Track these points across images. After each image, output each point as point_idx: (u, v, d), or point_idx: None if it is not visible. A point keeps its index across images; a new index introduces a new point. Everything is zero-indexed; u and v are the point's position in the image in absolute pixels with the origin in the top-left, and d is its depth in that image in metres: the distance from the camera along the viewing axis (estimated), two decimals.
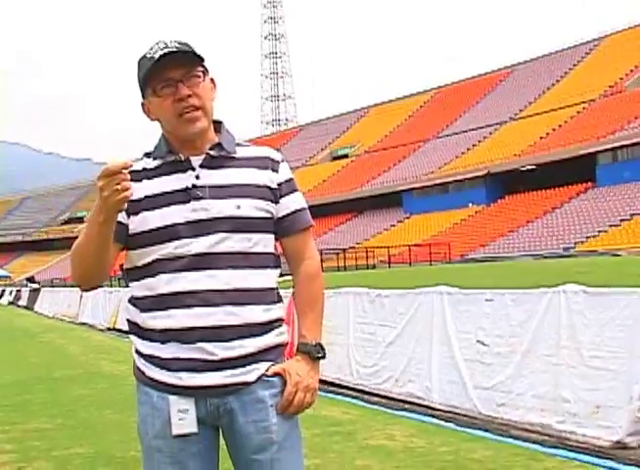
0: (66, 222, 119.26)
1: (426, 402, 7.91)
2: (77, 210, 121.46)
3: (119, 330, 20.58)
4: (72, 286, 45.06)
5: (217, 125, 2.62)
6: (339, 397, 8.80)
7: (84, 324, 25.43)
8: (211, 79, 2.58)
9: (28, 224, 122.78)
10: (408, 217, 70.50)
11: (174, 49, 2.43)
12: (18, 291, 52.18)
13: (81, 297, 28.06)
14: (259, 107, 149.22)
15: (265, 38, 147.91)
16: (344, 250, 51.80)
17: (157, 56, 2.43)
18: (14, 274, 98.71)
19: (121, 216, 2.48)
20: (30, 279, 70.63)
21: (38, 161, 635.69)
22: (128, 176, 2.25)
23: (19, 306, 45.40)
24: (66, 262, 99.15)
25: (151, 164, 2.56)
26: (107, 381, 11.08)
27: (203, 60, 2.50)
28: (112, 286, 37.06)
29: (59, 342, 19.08)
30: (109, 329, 22.09)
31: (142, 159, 2.61)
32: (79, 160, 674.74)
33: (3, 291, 59.81)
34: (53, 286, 55.34)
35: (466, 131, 79.65)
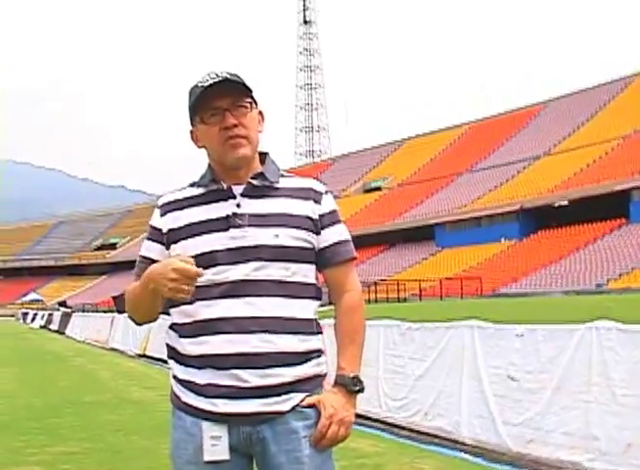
0: (98, 248, 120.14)
1: (454, 437, 7.86)
2: (110, 236, 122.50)
3: (150, 357, 20.63)
4: (104, 311, 45.26)
5: (263, 157, 2.66)
6: (367, 429, 8.75)
7: (114, 350, 25.51)
8: (260, 112, 2.63)
9: (62, 249, 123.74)
10: (440, 251, 70.33)
11: (222, 79, 2.50)
12: (50, 315, 52.44)
13: (112, 322, 28.18)
14: (293, 138, 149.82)
15: (301, 70, 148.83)
16: (376, 282, 51.70)
17: (206, 85, 2.49)
18: (46, 298, 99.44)
19: (160, 254, 2.59)
20: (62, 303, 71.01)
21: (73, 186, 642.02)
22: (195, 284, 2.35)
23: (50, 330, 45.61)
24: (97, 288, 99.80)
25: (195, 192, 2.62)
26: (136, 407, 11.10)
27: (251, 91, 2.56)
28: None
29: (89, 366, 19.15)
30: (139, 356, 22.14)
31: (186, 188, 2.66)
32: (113, 187, 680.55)
33: (35, 314, 60.12)
34: (84, 311, 55.65)
35: (499, 166, 79.52)
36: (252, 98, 2.58)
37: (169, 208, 2.62)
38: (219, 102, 2.52)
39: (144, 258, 2.65)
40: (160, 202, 2.67)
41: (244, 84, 2.53)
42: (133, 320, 2.66)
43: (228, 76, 2.51)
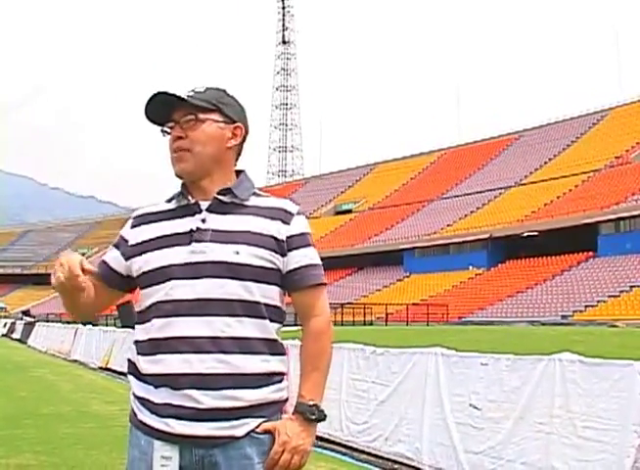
0: None
1: (415, 463, 7.85)
2: (78, 246, 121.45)
3: (112, 370, 20.47)
4: (68, 322, 44.84)
5: (238, 173, 2.65)
6: (328, 452, 8.72)
7: (77, 361, 25.29)
8: (237, 127, 2.62)
9: (29, 257, 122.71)
10: (408, 276, 70.44)
11: (177, 94, 2.54)
12: (12, 323, 51.96)
13: (75, 334, 27.94)
14: (267, 157, 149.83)
15: (277, 89, 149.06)
16: (342, 305, 51.65)
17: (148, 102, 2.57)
18: (10, 306, 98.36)
19: (114, 261, 2.64)
20: (26, 313, 70.34)
21: (43, 195, 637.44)
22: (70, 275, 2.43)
23: (12, 339, 45.17)
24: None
25: (167, 206, 2.62)
26: (95, 421, 10.98)
27: (203, 107, 2.55)
28: (107, 325, 36.93)
29: (50, 378, 18.97)
30: (101, 368, 21.96)
31: (162, 203, 2.67)
32: (84, 197, 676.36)
33: None
34: (48, 321, 55.10)
35: (470, 194, 79.93)
36: (209, 111, 2.57)
37: (141, 220, 2.62)
38: (174, 115, 2.56)
39: (103, 261, 2.68)
40: (135, 214, 2.68)
41: (197, 99, 2.56)
42: (75, 318, 2.81)
43: (188, 92, 2.57)
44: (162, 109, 2.56)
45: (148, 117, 2.59)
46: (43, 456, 8.12)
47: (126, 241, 2.62)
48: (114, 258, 2.64)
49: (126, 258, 2.59)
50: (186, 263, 2.45)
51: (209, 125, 2.56)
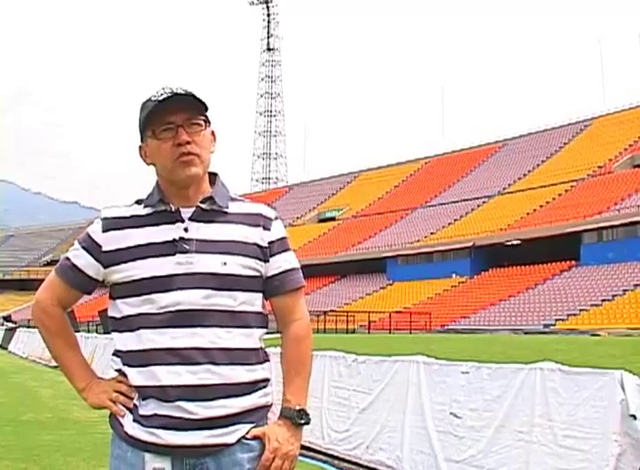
0: (48, 264, 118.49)
1: None
2: (61, 252, 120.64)
3: None
4: None
5: (212, 178, 2.60)
6: (309, 460, 8.71)
7: (58, 368, 25.12)
8: (212, 132, 2.57)
9: (10, 263, 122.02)
10: (391, 284, 70.47)
11: (178, 94, 2.44)
12: None
13: None
14: (251, 164, 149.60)
15: (262, 96, 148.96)
16: (325, 312, 51.61)
17: (160, 98, 2.44)
18: None
19: (90, 268, 2.53)
20: (7, 318, 69.94)
21: (25, 200, 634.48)
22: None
23: None
24: None
25: (141, 211, 2.53)
26: (75, 427, 10.92)
27: (207, 108, 2.50)
28: (89, 332, 36.77)
29: (30, 384, 18.86)
30: None
31: (132, 205, 2.58)
32: (67, 202, 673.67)
33: None
34: (29, 327, 54.75)
35: (454, 202, 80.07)
36: (206, 116, 2.53)
37: (113, 224, 2.52)
38: (173, 117, 2.46)
39: (74, 266, 2.55)
40: (104, 215, 2.57)
41: (200, 101, 2.48)
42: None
43: (183, 92, 2.45)
44: (172, 110, 2.46)
45: (148, 119, 2.48)
46: (22, 464, 8.06)
47: (99, 246, 2.52)
48: (89, 264, 2.53)
49: (105, 266, 2.51)
50: (173, 275, 2.42)
51: (205, 129, 2.53)
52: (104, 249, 2.51)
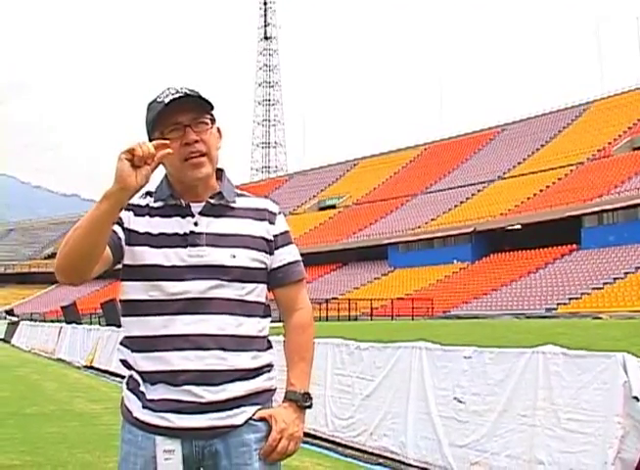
0: (49, 257, 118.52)
1: (400, 457, 7.85)
2: None
3: (97, 369, 20.41)
4: (52, 321, 44.58)
5: (219, 173, 2.66)
6: (313, 447, 8.72)
7: (61, 360, 25.20)
8: (218, 128, 2.62)
9: (12, 256, 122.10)
10: (392, 271, 70.56)
11: (184, 94, 2.48)
12: None
13: (60, 332, 27.85)
14: (250, 153, 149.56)
15: (260, 85, 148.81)
16: (327, 300, 51.71)
17: (167, 100, 2.48)
18: None
19: (118, 231, 2.49)
20: (10, 312, 70.07)
21: (26, 193, 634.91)
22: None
23: None
24: (46, 297, 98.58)
25: (154, 203, 2.59)
26: (79, 420, 10.94)
27: (212, 107, 2.55)
28: (91, 323, 36.85)
29: (34, 377, 18.90)
30: (86, 367, 21.89)
31: (144, 196, 2.62)
32: (67, 195, 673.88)
33: None
34: (32, 320, 54.92)
35: (454, 188, 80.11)
36: (212, 115, 2.58)
37: (132, 208, 2.56)
38: (180, 117, 2.51)
39: (112, 230, 2.46)
40: None
41: (206, 100, 2.52)
42: (64, 271, 2.39)
43: (189, 92, 2.50)
44: (179, 110, 2.49)
45: (156, 120, 2.50)
46: (27, 456, 8.08)
47: (123, 222, 2.52)
48: (120, 231, 2.50)
49: (126, 243, 2.52)
50: (186, 266, 2.49)
51: (212, 127, 2.59)
52: (125, 226, 2.53)
